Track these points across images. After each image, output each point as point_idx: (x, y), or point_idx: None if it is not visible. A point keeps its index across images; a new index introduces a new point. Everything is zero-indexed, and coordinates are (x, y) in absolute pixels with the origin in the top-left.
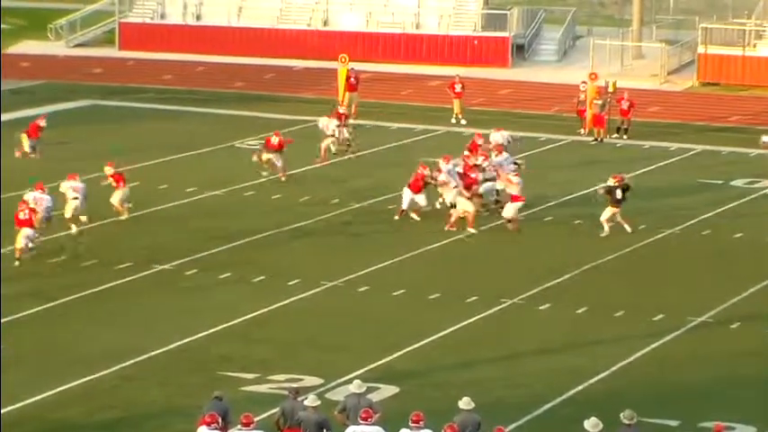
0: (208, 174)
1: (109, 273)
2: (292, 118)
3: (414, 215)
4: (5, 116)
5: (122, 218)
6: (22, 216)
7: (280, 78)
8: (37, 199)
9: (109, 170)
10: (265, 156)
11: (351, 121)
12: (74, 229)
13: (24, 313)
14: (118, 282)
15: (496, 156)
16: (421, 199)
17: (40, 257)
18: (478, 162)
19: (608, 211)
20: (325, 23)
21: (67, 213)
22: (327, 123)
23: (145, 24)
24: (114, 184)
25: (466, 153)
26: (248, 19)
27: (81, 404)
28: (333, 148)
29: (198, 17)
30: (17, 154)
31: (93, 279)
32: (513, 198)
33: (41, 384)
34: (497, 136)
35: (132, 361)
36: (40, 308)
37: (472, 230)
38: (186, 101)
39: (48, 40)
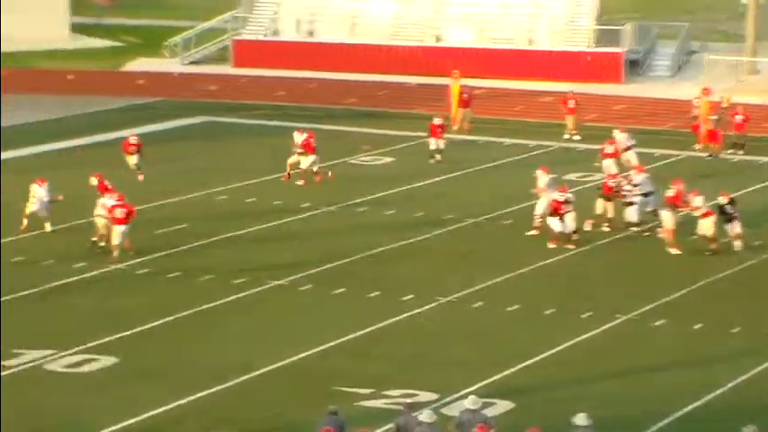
0: (322, 190)
1: (225, 288)
2: (405, 134)
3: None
4: (126, 132)
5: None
6: (119, 214)
7: (393, 94)
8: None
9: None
10: (293, 159)
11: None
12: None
13: (141, 328)
14: (233, 297)
15: (636, 174)
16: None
17: (157, 272)
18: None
19: (730, 228)
20: (438, 39)
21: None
22: (298, 138)
23: (258, 41)
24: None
25: (609, 168)
26: (361, 35)
27: (195, 419)
28: (304, 165)
29: (311, 34)
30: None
31: (209, 294)
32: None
33: (157, 399)
34: (622, 137)
35: (246, 376)
36: (156, 323)
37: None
38: (299, 117)
39: (163, 57)
